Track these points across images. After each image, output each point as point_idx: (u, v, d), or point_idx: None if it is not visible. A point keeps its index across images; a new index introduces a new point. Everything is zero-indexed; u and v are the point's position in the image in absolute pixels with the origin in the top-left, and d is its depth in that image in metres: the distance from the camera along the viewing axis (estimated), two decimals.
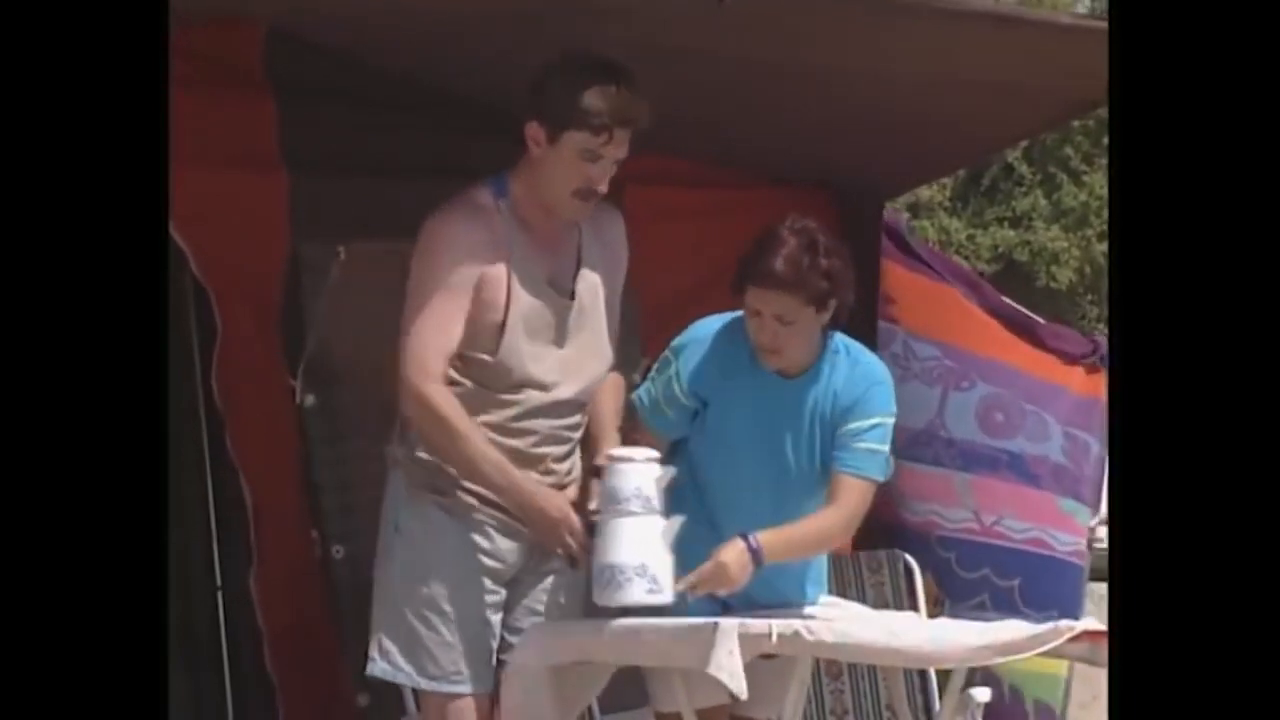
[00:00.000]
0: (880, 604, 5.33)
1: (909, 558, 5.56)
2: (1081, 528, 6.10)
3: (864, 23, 4.54)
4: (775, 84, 4.90)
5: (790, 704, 4.21)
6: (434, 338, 4.21)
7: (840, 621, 4.26)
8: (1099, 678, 5.61)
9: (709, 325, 4.46)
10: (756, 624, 4.03)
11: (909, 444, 5.90)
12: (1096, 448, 6.05)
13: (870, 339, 5.94)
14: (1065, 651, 4.11)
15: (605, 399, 4.43)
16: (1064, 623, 4.10)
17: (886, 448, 4.43)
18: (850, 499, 4.37)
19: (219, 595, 5.09)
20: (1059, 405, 6.08)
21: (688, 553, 4.24)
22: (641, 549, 4.13)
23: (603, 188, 4.28)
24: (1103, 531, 5.94)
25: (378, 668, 4.31)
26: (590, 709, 4.97)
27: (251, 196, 4.83)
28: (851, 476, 4.37)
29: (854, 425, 4.37)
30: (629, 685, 4.48)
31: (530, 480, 4.24)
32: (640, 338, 5.47)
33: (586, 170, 4.22)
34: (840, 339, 4.46)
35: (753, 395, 4.40)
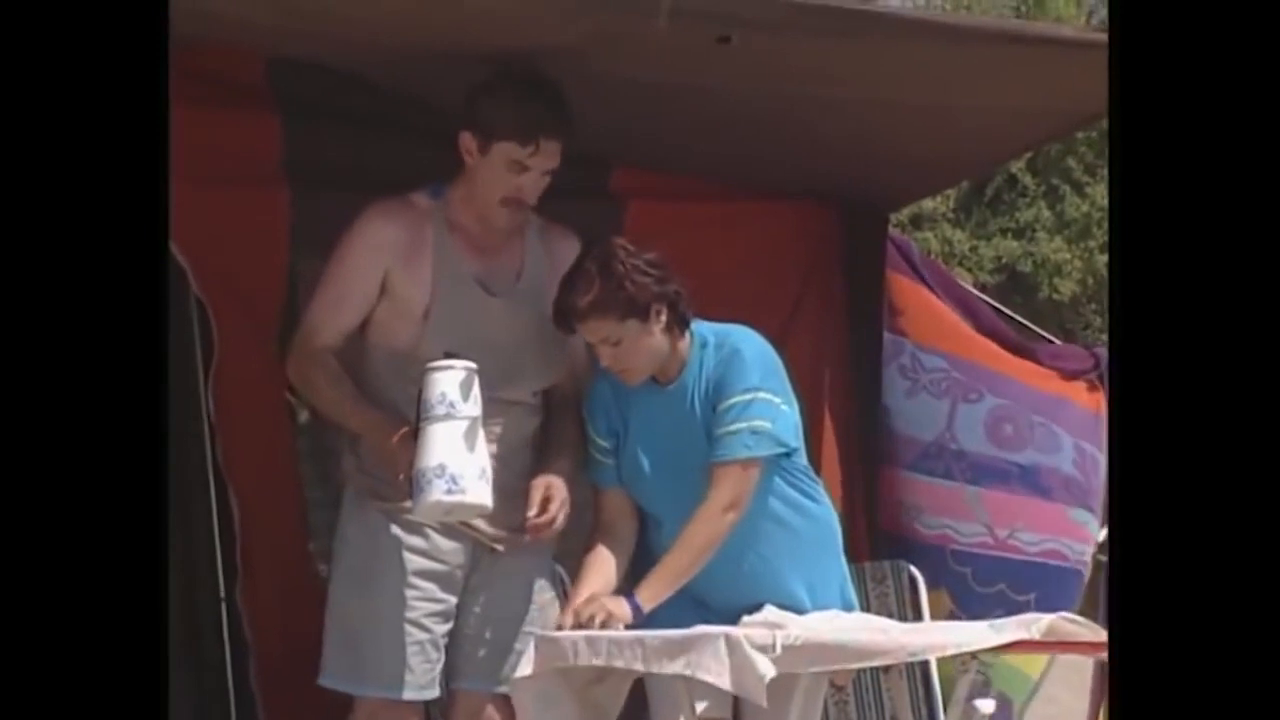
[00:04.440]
0: (884, 615, 5.30)
1: (913, 568, 5.54)
2: (1092, 537, 6.10)
3: (867, 51, 4.55)
4: (778, 115, 4.93)
5: (795, 713, 4.20)
6: (326, 314, 4.34)
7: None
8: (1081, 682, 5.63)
9: (600, 375, 4.48)
10: (760, 634, 4.02)
11: (920, 457, 5.91)
12: (1103, 461, 6.04)
13: (876, 350, 5.96)
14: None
15: (561, 423, 4.46)
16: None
17: (761, 421, 4.33)
18: (718, 489, 4.31)
19: (223, 606, 5.10)
20: (1066, 417, 6.07)
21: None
22: (440, 450, 4.09)
23: (531, 199, 4.35)
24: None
25: (326, 677, 4.33)
26: None
27: (253, 212, 4.85)
28: (718, 464, 4.32)
29: (719, 411, 4.35)
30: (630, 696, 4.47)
31: (380, 418, 4.25)
32: None
33: (515, 180, 4.32)
34: (705, 329, 4.44)
35: (645, 415, 4.43)
